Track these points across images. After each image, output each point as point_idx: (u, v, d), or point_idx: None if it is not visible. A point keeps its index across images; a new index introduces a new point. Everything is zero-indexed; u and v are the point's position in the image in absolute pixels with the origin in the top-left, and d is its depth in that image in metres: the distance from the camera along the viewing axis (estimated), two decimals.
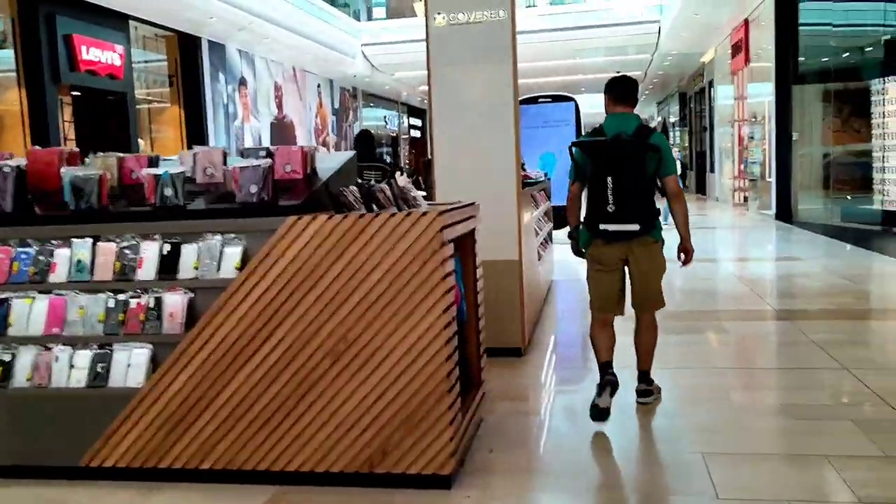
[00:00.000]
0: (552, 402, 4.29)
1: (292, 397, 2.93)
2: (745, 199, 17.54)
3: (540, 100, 11.16)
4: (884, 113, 11.61)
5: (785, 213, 13.32)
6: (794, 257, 9.25)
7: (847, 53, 12.39)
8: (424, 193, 4.48)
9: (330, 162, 3.32)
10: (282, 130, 18.75)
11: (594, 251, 3.77)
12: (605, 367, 3.74)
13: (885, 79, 11.48)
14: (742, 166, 17.94)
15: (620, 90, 3.79)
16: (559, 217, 7.63)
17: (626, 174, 3.53)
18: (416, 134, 33.37)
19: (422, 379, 2.85)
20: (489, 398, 3.86)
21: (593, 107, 35.18)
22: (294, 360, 2.92)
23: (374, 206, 3.15)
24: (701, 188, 23.76)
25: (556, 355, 5.16)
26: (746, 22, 15.40)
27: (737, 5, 14.31)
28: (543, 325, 5.83)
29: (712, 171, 21.45)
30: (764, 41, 14.62)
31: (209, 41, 14.83)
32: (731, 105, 18.26)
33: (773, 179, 13.64)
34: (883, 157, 11.74)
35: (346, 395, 2.89)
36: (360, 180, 3.58)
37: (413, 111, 32.35)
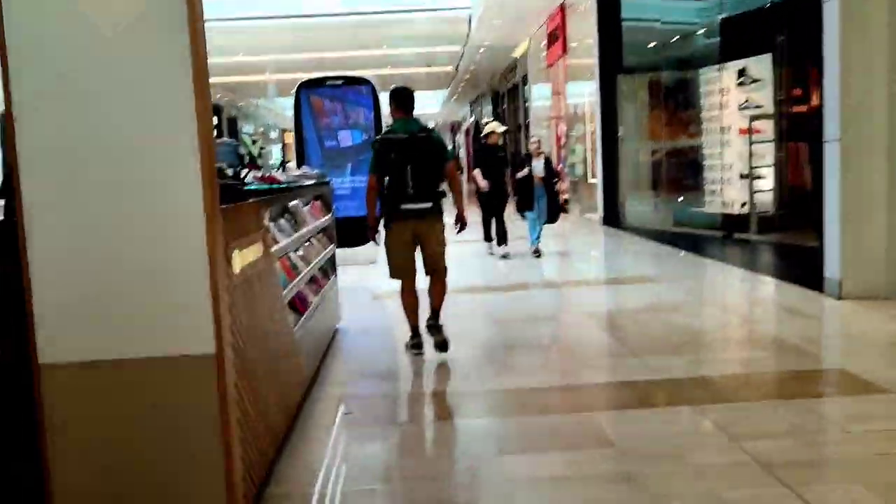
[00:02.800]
0: None
1: None
2: (567, 202, 16.30)
3: (328, 82, 8.74)
4: (718, 104, 10.53)
5: (612, 217, 11.97)
6: (643, 277, 7.52)
7: (676, 38, 11.18)
8: None
9: None
10: None
11: (395, 228, 4.58)
12: (416, 330, 4.74)
13: (719, 65, 10.39)
14: (561, 166, 16.72)
15: (403, 99, 4.68)
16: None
17: (421, 164, 4.51)
18: None
19: None
20: None
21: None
22: None
23: None
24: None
25: None
26: (562, 8, 14.02)
27: None
28: (303, 444, 3.29)
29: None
30: (584, 29, 13.28)
31: None
32: (548, 100, 16.99)
33: (598, 181, 12.24)
34: (715, 153, 10.66)
35: None
36: None
37: None
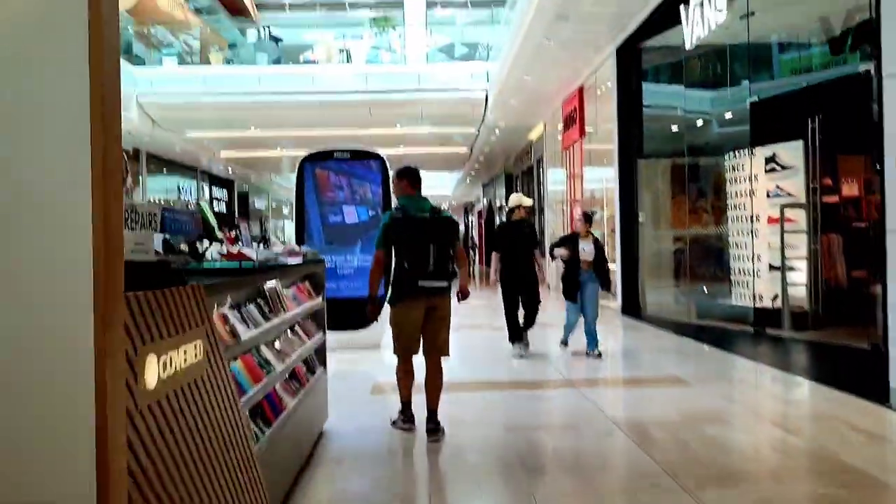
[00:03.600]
0: None
1: None
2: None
3: (336, 154, 8.25)
4: (745, 192, 9.96)
5: (631, 306, 11.24)
6: (674, 378, 6.72)
7: (700, 122, 10.72)
8: None
9: None
10: None
11: (408, 305, 4.57)
12: (409, 405, 4.81)
13: (742, 151, 9.87)
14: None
15: (414, 177, 4.79)
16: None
17: (442, 243, 4.60)
18: (222, 207, 29.44)
19: None
20: None
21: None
22: None
23: None
24: None
25: None
26: (581, 90, 13.72)
27: (570, 68, 12.51)
28: None
29: (544, 256, 19.64)
30: (602, 113, 12.93)
31: None
32: (562, 184, 16.54)
33: (617, 267, 11.58)
34: (742, 243, 10.02)
35: None
36: None
37: (216, 181, 28.51)
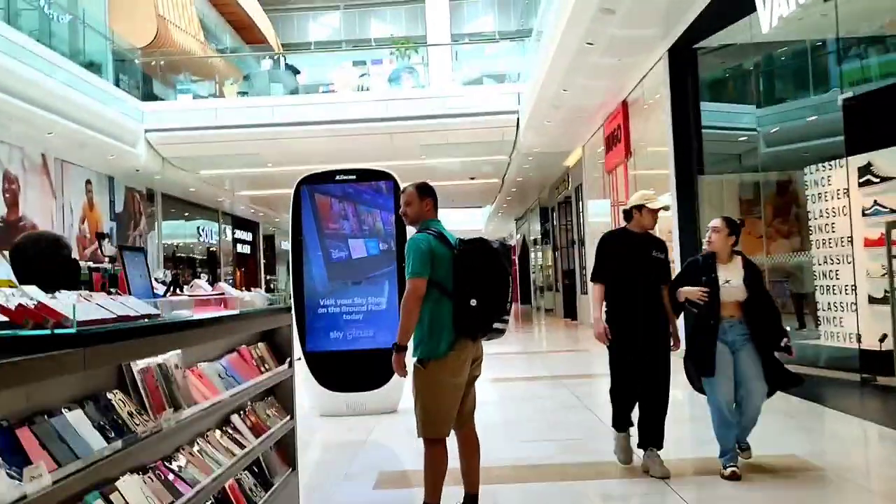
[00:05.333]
0: None
1: None
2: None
3: (338, 176, 6.84)
4: (832, 210, 8.29)
5: None
6: (798, 462, 4.67)
7: (776, 128, 9.11)
8: None
9: None
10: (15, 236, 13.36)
11: (458, 356, 3.48)
12: None
13: (828, 163, 8.24)
14: None
15: (435, 198, 3.78)
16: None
17: (506, 275, 3.61)
18: (246, 249, 28.37)
19: None
20: None
21: (454, 223, 32.47)
22: None
23: None
24: (570, 312, 20.19)
25: None
26: (625, 105, 12.21)
27: (613, 77, 11.01)
28: None
29: (584, 292, 17.95)
30: (649, 130, 11.39)
31: None
32: (606, 214, 14.95)
33: None
34: (831, 271, 8.31)
35: None
36: None
37: (240, 223, 27.47)
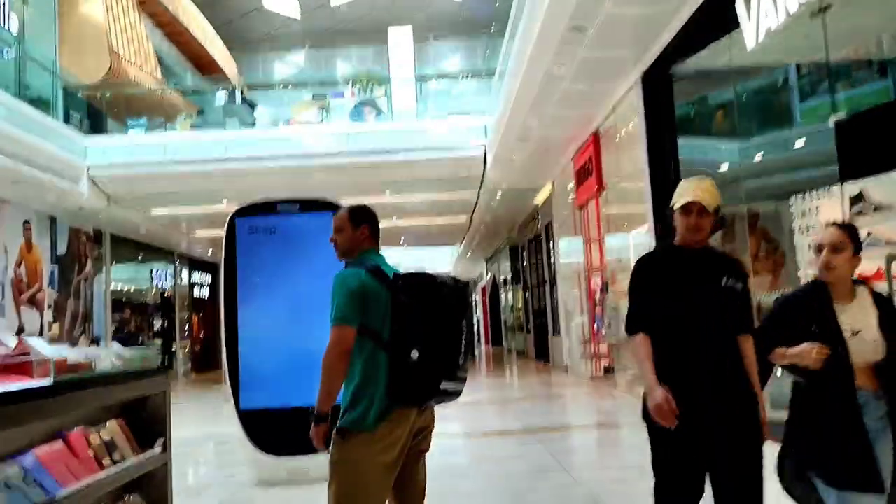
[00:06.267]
0: None
1: None
2: (608, 370, 13.12)
3: (280, 207, 5.99)
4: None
5: None
6: None
7: (760, 154, 8.52)
8: None
9: None
10: None
11: (390, 430, 2.64)
12: None
13: (815, 191, 7.63)
14: (595, 327, 13.71)
15: (376, 224, 3.05)
16: None
17: (466, 319, 2.82)
18: (204, 293, 27.15)
19: None
20: None
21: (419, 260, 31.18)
22: None
23: None
24: (542, 353, 19.37)
25: None
26: (596, 136, 11.62)
27: (585, 105, 10.42)
28: None
29: (556, 333, 17.17)
30: (622, 164, 10.79)
31: None
32: (577, 252, 14.28)
33: None
34: None
35: None
36: None
37: (197, 265, 26.32)
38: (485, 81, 17.04)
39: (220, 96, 15.93)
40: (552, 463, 6.24)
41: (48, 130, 13.71)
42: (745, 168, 8.61)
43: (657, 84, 8.98)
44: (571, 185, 13.86)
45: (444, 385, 2.70)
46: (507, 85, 10.80)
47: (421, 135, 14.59)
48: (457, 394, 2.79)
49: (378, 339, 2.71)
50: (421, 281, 2.79)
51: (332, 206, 6.11)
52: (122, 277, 20.48)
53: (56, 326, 16.24)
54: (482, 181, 15.66)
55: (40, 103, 14.51)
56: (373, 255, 2.98)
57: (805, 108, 8.03)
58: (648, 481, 2.92)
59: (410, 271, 2.86)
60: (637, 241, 11.15)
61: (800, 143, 8.09)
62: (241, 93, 17.41)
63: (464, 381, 2.79)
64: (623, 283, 11.74)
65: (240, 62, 26.76)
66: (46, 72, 15.86)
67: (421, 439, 2.84)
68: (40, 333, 15.39)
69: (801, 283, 7.90)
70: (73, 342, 17.12)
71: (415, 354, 2.62)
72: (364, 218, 3.01)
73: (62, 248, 16.65)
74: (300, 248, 5.92)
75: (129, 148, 14.91)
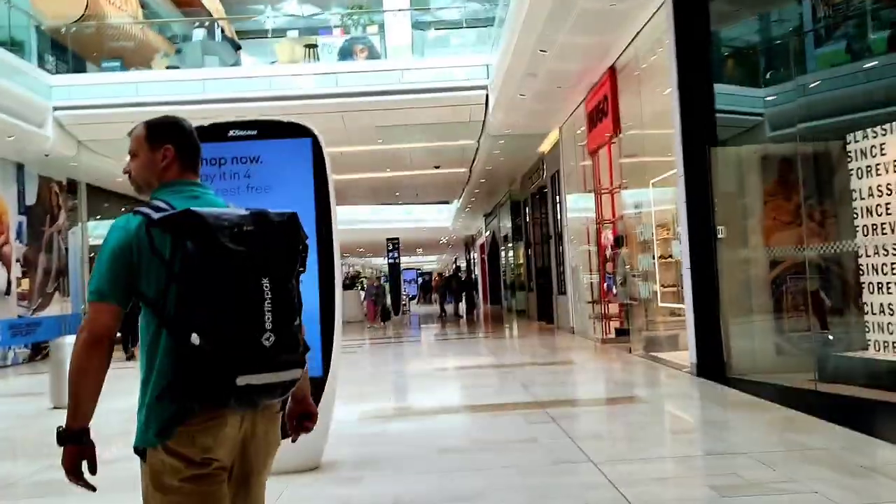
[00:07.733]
0: None
1: None
2: (619, 332, 12.05)
3: (232, 131, 4.79)
4: (886, 188, 6.50)
5: (712, 363, 7.64)
6: None
7: (816, 83, 7.29)
8: None
9: None
10: None
11: (197, 441, 1.80)
12: None
13: (887, 126, 6.44)
14: (606, 286, 12.61)
15: (188, 143, 2.06)
16: None
17: (283, 277, 1.85)
18: None
19: None
20: None
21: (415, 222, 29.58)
22: None
23: None
24: (545, 314, 18.29)
25: None
26: (612, 71, 10.35)
27: (602, 30, 9.11)
28: None
29: (562, 292, 16.07)
30: (642, 105, 9.55)
31: None
32: (587, 205, 13.10)
33: (687, 306, 8.03)
34: (884, 265, 6.51)
35: None
36: None
37: None
38: (486, 27, 15.70)
39: (198, 33, 14.52)
40: (572, 450, 5.10)
41: (12, 70, 12.43)
42: (797, 107, 7.39)
43: (691, 4, 7.71)
44: (582, 129, 12.63)
45: (244, 379, 1.76)
46: (515, 6, 9.47)
47: (416, 73, 13.30)
48: (277, 388, 1.86)
49: (161, 312, 1.82)
50: (199, 222, 1.78)
51: (302, 131, 4.92)
52: (101, 231, 19.31)
53: (26, 282, 15.15)
54: (483, 127, 14.42)
55: (13, 45, 13.30)
56: (184, 188, 2.03)
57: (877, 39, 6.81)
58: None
59: (173, 211, 1.87)
60: (658, 195, 9.97)
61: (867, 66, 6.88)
62: (223, 31, 16.01)
63: (290, 365, 1.84)
64: (644, 233, 10.60)
65: (230, 11, 25.28)
66: (20, 11, 14.52)
67: (260, 456, 1.96)
68: (7, 290, 14.32)
69: (858, 233, 6.81)
70: (46, 298, 16.05)
71: (195, 338, 1.73)
72: (168, 134, 2.06)
73: (31, 199, 15.46)
74: (259, 184, 4.74)
75: (99, 88, 13.61)
